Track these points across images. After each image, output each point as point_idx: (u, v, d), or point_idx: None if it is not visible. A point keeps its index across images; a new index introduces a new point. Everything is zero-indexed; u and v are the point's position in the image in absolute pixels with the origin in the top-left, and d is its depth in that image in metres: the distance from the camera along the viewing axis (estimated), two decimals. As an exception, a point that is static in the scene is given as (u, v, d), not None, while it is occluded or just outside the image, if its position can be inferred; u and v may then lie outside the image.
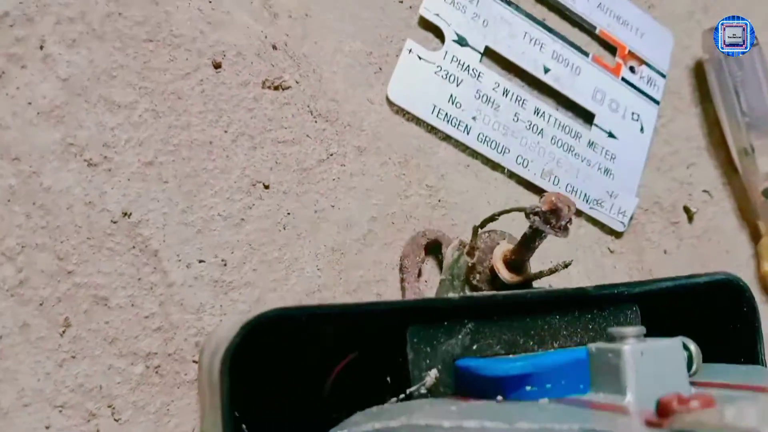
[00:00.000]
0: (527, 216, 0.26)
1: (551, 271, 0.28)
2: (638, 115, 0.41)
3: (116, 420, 0.28)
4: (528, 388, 0.23)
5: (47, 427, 0.27)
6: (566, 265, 0.29)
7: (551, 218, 0.25)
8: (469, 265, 0.28)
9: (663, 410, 0.16)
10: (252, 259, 0.31)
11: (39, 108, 0.29)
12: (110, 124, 0.30)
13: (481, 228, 0.28)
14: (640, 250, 0.41)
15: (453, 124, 0.36)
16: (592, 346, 0.23)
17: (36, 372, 0.27)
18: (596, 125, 0.40)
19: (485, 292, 0.27)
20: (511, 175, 0.38)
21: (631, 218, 0.40)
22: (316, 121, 0.34)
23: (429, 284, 0.35)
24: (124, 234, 0.29)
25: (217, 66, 0.32)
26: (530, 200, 0.38)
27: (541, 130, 0.38)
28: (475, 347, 0.26)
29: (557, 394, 0.22)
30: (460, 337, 0.26)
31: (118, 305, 0.29)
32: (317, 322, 0.24)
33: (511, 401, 0.22)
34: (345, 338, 0.27)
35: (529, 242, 0.27)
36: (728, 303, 0.31)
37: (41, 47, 0.29)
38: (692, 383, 0.23)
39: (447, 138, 0.37)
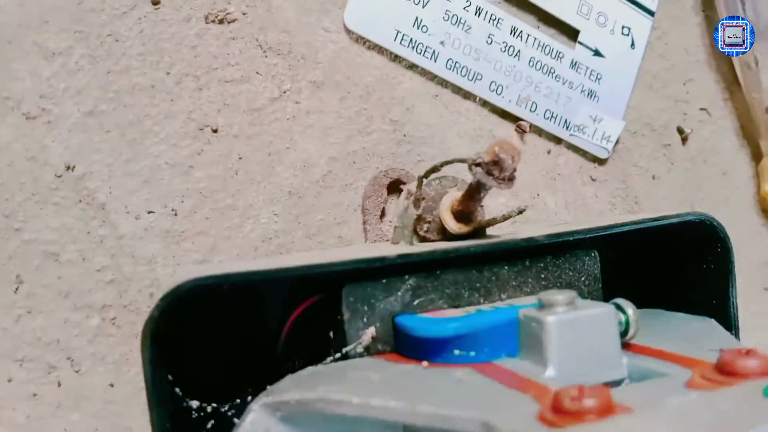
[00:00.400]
0: (469, 168, 0.24)
1: (505, 218, 0.27)
2: (629, 29, 0.38)
3: (76, 371, 0.29)
4: (456, 352, 0.22)
5: (9, 380, 0.28)
6: (521, 212, 0.27)
7: (494, 170, 0.24)
8: (416, 216, 0.27)
9: (556, 406, 0.16)
10: (203, 208, 0.31)
11: (-33, 60, 0.28)
12: (46, 74, 0.29)
13: (425, 178, 0.27)
14: (625, 176, 0.39)
15: (419, 50, 0.34)
16: (522, 311, 0.22)
17: (-7, 328, 0.28)
18: (581, 43, 0.37)
19: (425, 247, 0.26)
20: (484, 104, 0.36)
21: (617, 143, 0.38)
22: (266, 56, 0.32)
23: (394, 224, 0.34)
24: (70, 188, 0.29)
25: (155, 2, 0.30)
26: (505, 130, 0.37)
27: (518, 52, 0.36)
28: (416, 303, 0.25)
29: (485, 358, 0.22)
30: (399, 294, 0.25)
31: (68, 260, 0.29)
32: (247, 286, 0.24)
33: (435, 367, 0.22)
34: (284, 297, 0.27)
35: (474, 194, 0.25)
36: (701, 243, 0.30)
37: (-37, -7, 0.28)
38: (628, 347, 0.22)
39: (412, 67, 0.35)
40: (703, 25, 0.41)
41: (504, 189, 0.25)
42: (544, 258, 0.27)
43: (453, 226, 0.27)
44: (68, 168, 0.29)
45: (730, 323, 0.30)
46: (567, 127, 0.37)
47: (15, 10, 0.29)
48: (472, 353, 0.22)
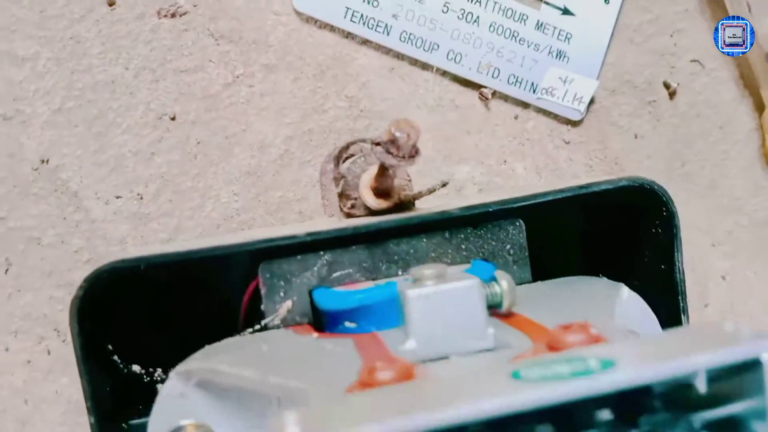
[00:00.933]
0: (371, 148, 0.25)
1: (430, 191, 0.28)
2: (601, -17, 0.37)
3: (63, 341, 0.33)
4: (346, 323, 0.24)
5: (6, 350, 0.33)
6: (444, 184, 0.28)
7: (392, 149, 0.25)
8: (338, 193, 0.28)
9: (361, 379, 0.17)
10: (166, 191, 0.34)
11: (-50, 71, 0.32)
12: (17, 78, 0.33)
13: (339, 158, 0.28)
14: (603, 137, 0.38)
15: (370, 26, 0.35)
16: (399, 284, 0.23)
17: (-11, 305, 0.32)
18: (547, 2, 0.37)
19: (337, 225, 0.27)
20: (444, 74, 0.36)
21: (591, 103, 0.38)
22: (218, 44, 0.34)
23: (352, 197, 0.35)
24: (46, 179, 0.33)
25: (111, 3, 0.33)
26: (467, 98, 0.37)
27: (477, 18, 0.36)
28: (333, 277, 0.27)
29: (371, 329, 0.23)
30: (316, 269, 0.27)
31: (49, 243, 0.33)
32: (167, 267, 0.26)
33: (323, 338, 0.24)
34: (230, 271, 0.29)
35: (382, 171, 0.26)
36: (646, 207, 0.29)
37: (-58, 11, 0.32)
38: (505, 317, 0.23)
39: (366, 42, 0.35)
40: (691, -30, 0.39)
41: (406, 165, 0.26)
42: (464, 229, 0.28)
43: (372, 202, 0.28)
44: (43, 161, 0.33)
45: (676, 289, 0.29)
46: (534, 91, 0.37)
47: (-11, 22, 0.32)
48: (355, 324, 0.24)
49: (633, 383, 0.13)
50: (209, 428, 0.25)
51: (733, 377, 0.14)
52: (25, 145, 0.33)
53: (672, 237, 0.29)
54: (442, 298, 0.21)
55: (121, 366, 0.27)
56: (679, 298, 0.29)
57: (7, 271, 0.33)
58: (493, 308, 0.23)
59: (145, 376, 0.29)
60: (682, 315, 0.29)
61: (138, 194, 0.34)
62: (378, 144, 0.26)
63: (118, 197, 0.34)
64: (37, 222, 0.33)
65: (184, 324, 0.30)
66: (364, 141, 0.26)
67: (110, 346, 0.27)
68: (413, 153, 0.26)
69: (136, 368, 0.28)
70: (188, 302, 0.30)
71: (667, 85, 0.39)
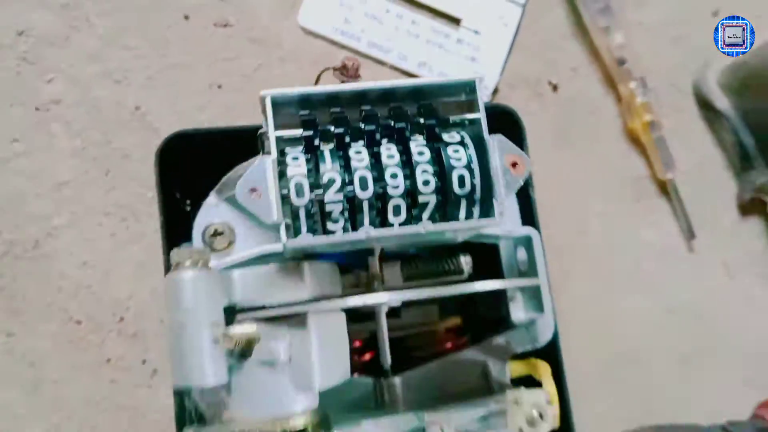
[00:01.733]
0: (333, 72, 0.47)
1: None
2: (502, 16, 0.59)
3: (137, 222, 0.53)
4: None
5: (100, 225, 0.53)
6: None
7: (343, 71, 0.46)
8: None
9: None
10: (212, 131, 0.55)
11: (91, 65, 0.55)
12: (126, 58, 0.55)
13: (317, 82, 0.49)
14: (506, 114, 0.58)
15: (348, 36, 0.57)
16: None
17: (95, 195, 0.53)
18: (463, 26, 0.59)
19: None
20: (396, 68, 0.58)
21: (496, 92, 0.59)
22: (250, 44, 0.57)
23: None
24: (137, 120, 0.55)
25: (186, 18, 0.56)
26: (411, 84, 0.58)
27: (417, 35, 0.58)
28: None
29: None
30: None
31: (136, 159, 0.54)
32: (219, 135, 0.46)
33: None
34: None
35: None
36: (505, 125, 0.49)
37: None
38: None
39: (344, 47, 0.58)
40: (567, 8, 0.61)
41: (352, 81, 0.47)
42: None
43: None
44: (137, 108, 0.55)
45: (528, 181, 0.48)
46: (456, 81, 0.58)
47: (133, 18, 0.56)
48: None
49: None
50: (232, 227, 0.44)
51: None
52: (128, 98, 0.55)
53: (522, 142, 0.49)
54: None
55: (184, 204, 0.47)
56: (530, 189, 0.48)
57: (107, 174, 0.54)
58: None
59: (191, 221, 0.48)
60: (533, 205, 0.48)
61: (194, 132, 0.55)
62: (336, 69, 0.47)
63: (181, 133, 0.55)
64: (130, 145, 0.54)
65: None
66: (327, 69, 0.47)
67: (178, 195, 0.47)
68: (356, 75, 0.47)
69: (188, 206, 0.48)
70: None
71: (550, 83, 0.60)
